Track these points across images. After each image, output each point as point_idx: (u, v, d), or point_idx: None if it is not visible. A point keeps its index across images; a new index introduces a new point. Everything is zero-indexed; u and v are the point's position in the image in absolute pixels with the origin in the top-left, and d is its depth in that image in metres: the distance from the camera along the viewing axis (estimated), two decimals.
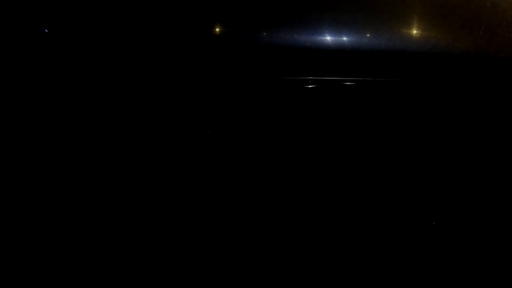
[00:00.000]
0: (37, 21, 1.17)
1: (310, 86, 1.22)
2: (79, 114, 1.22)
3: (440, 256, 1.26)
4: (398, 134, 1.28)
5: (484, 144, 1.29)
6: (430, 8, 1.29)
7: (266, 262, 1.24)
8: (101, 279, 1.23)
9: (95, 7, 1.20)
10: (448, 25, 1.26)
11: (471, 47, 1.24)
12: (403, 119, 1.28)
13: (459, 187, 1.29)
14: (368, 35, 1.20)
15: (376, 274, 1.23)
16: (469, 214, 1.29)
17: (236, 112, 1.25)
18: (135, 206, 1.25)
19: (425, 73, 1.24)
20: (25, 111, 1.20)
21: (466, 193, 1.29)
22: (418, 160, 1.29)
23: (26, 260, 1.22)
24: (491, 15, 1.31)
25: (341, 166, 1.28)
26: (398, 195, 1.28)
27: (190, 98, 1.24)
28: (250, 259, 1.24)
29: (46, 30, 1.17)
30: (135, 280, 1.23)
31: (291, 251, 1.24)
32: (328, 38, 1.19)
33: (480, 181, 1.30)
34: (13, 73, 1.19)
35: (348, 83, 1.23)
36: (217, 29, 1.20)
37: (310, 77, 1.22)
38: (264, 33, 1.19)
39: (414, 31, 1.23)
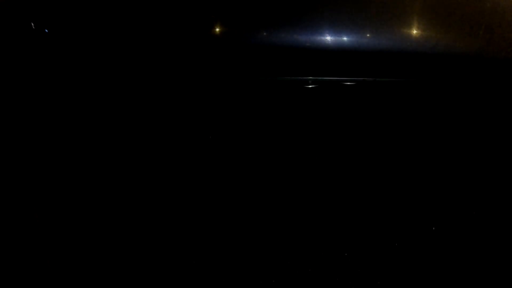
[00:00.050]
0: (38, 21, 1.17)
1: (310, 86, 1.22)
2: (79, 114, 1.22)
3: (441, 260, 1.26)
4: (398, 134, 1.28)
5: (484, 144, 1.29)
6: (430, 8, 1.28)
7: (267, 265, 1.23)
8: (101, 279, 1.23)
9: (95, 7, 1.20)
10: (448, 25, 1.26)
11: (471, 47, 1.24)
12: (403, 119, 1.27)
13: (459, 187, 1.29)
14: (368, 35, 1.20)
15: (376, 278, 1.23)
16: (469, 215, 1.29)
17: (236, 112, 1.25)
18: (135, 206, 1.25)
19: (425, 73, 1.24)
20: (26, 111, 1.20)
21: (467, 193, 1.29)
22: (419, 160, 1.29)
23: (26, 260, 1.22)
24: (491, 15, 1.31)
25: (342, 166, 1.28)
26: (399, 196, 1.28)
27: (191, 98, 1.24)
28: (251, 262, 1.23)
29: (47, 30, 1.17)
30: (135, 280, 1.23)
31: (292, 255, 1.24)
32: (328, 38, 1.19)
33: (480, 181, 1.30)
34: (13, 73, 1.19)
35: (348, 83, 1.23)
36: (217, 29, 1.20)
37: (310, 77, 1.22)
38: (264, 33, 1.19)
39: (414, 31, 1.23)
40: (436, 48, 1.21)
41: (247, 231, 1.25)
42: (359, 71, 1.22)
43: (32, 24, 1.14)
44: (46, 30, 1.17)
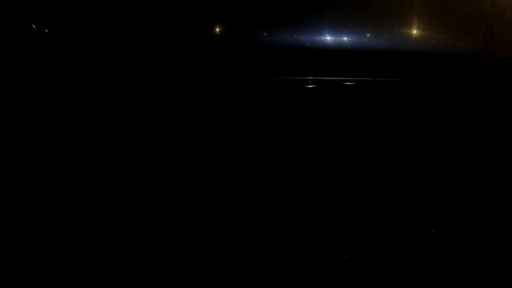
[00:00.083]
0: (38, 22, 1.17)
1: (310, 86, 1.22)
2: (79, 113, 1.22)
3: (441, 262, 1.26)
4: (398, 134, 1.28)
5: (484, 143, 1.29)
6: (430, 8, 1.29)
7: (267, 267, 1.23)
8: (101, 279, 1.23)
9: (95, 7, 1.20)
10: (448, 25, 1.26)
11: (471, 47, 1.24)
12: (403, 119, 1.28)
13: (460, 187, 1.29)
14: (368, 35, 1.20)
15: (376, 280, 1.23)
16: (470, 216, 1.29)
17: (236, 112, 1.25)
18: (134, 206, 1.25)
19: (425, 73, 1.24)
20: (26, 111, 1.20)
21: (467, 193, 1.29)
22: (419, 160, 1.29)
23: (26, 260, 1.22)
24: (491, 15, 1.31)
25: (342, 167, 1.28)
26: (399, 197, 1.28)
27: (191, 98, 1.24)
28: (251, 264, 1.23)
29: (47, 30, 1.17)
30: (135, 280, 1.23)
31: (292, 257, 1.24)
32: (328, 38, 1.19)
33: (480, 180, 1.30)
34: (13, 73, 1.19)
35: (348, 83, 1.23)
36: (217, 29, 1.20)
37: (310, 77, 1.22)
38: (264, 33, 1.19)
39: (414, 31, 1.23)
40: (436, 48, 1.21)
41: (247, 233, 1.25)
42: (359, 71, 1.22)
43: (34, 25, 1.14)
44: (46, 30, 1.17)
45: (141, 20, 1.20)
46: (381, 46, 1.20)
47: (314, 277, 1.23)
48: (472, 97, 1.28)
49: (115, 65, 1.20)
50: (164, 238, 1.24)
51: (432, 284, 1.24)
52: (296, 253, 1.23)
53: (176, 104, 1.24)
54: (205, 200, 1.25)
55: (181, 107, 1.24)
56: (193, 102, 1.25)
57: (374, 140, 1.28)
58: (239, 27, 1.21)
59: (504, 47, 1.25)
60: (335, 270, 1.23)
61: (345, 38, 1.20)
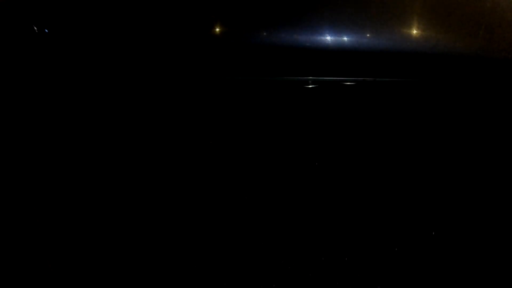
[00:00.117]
0: (38, 22, 1.17)
1: (310, 86, 1.22)
2: (78, 113, 1.22)
3: (441, 264, 1.26)
4: (399, 134, 1.28)
5: (484, 143, 1.29)
6: (430, 8, 1.28)
7: (268, 270, 1.23)
8: (101, 279, 1.23)
9: (95, 7, 1.20)
10: (448, 25, 1.26)
11: (471, 47, 1.24)
12: (403, 118, 1.27)
13: (460, 187, 1.29)
14: (368, 35, 1.20)
15: (376, 283, 1.23)
16: (471, 216, 1.29)
17: (236, 112, 1.25)
18: (134, 206, 1.25)
19: (425, 73, 1.24)
20: (26, 111, 1.20)
21: (467, 193, 1.29)
22: (419, 160, 1.29)
23: (26, 260, 1.22)
24: (491, 15, 1.31)
25: (342, 167, 1.27)
26: (400, 198, 1.28)
27: (190, 98, 1.24)
28: (252, 267, 1.23)
29: (47, 30, 1.17)
30: (135, 280, 1.23)
31: (292, 260, 1.24)
32: (328, 38, 1.19)
33: (480, 180, 1.30)
34: (13, 73, 1.19)
35: (348, 83, 1.23)
36: (217, 29, 1.20)
37: (310, 77, 1.22)
38: (265, 33, 1.19)
39: (414, 31, 1.23)
40: (436, 48, 1.21)
41: (248, 235, 1.25)
42: (359, 71, 1.22)
43: (35, 27, 1.14)
44: (46, 30, 1.17)
45: (141, 20, 1.20)
46: (381, 46, 1.20)
47: (314, 279, 1.22)
48: (472, 97, 1.28)
49: (116, 65, 1.20)
50: (164, 240, 1.24)
51: (432, 286, 1.24)
52: (297, 256, 1.23)
53: (176, 104, 1.24)
54: (205, 202, 1.25)
55: (180, 107, 1.24)
56: (192, 102, 1.24)
57: (374, 140, 1.28)
58: (239, 27, 1.21)
59: (504, 47, 1.25)
60: (335, 272, 1.23)
61: (345, 38, 1.20)
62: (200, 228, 1.24)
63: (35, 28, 1.15)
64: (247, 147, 1.26)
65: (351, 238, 1.26)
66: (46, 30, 1.17)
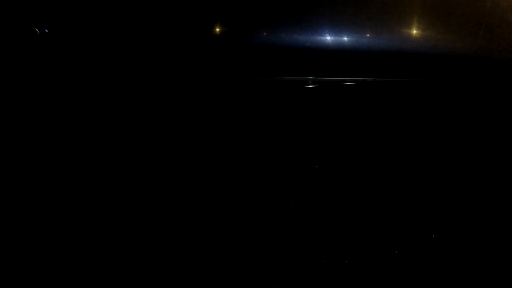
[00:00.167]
0: (38, 22, 1.17)
1: (310, 86, 1.22)
2: (77, 113, 1.22)
3: (442, 267, 1.26)
4: (399, 134, 1.28)
5: (484, 144, 1.29)
6: (430, 8, 1.28)
7: (268, 273, 1.23)
8: (101, 279, 1.23)
9: (94, 6, 1.20)
10: (448, 25, 1.26)
11: (471, 47, 1.24)
12: (403, 119, 1.27)
13: (460, 187, 1.29)
14: (368, 35, 1.20)
15: (377, 286, 1.23)
16: (471, 218, 1.28)
17: (236, 112, 1.25)
18: (134, 206, 1.25)
19: (425, 73, 1.24)
20: (26, 112, 1.20)
21: (467, 193, 1.29)
22: (419, 160, 1.29)
23: (26, 260, 1.22)
24: (491, 15, 1.31)
25: (342, 169, 1.27)
26: (400, 200, 1.27)
27: (190, 98, 1.24)
28: (252, 270, 1.23)
29: (47, 30, 1.17)
30: (135, 280, 1.23)
31: (292, 262, 1.23)
32: (328, 38, 1.19)
33: (481, 181, 1.30)
34: (13, 73, 1.19)
35: (348, 83, 1.23)
36: (217, 29, 1.20)
37: (310, 77, 1.22)
38: (264, 33, 1.19)
39: (414, 31, 1.23)
40: (436, 48, 1.21)
41: (248, 237, 1.24)
42: (359, 71, 1.22)
43: (37, 30, 1.14)
44: (46, 30, 1.17)
45: (141, 20, 1.20)
46: (381, 46, 1.20)
47: (315, 281, 1.22)
48: (472, 97, 1.28)
49: (116, 65, 1.20)
50: (163, 242, 1.24)
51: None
52: (297, 258, 1.23)
53: (175, 104, 1.24)
54: (204, 204, 1.25)
55: (180, 107, 1.24)
56: (192, 102, 1.24)
57: (374, 140, 1.28)
58: (239, 27, 1.21)
59: (504, 47, 1.25)
60: (336, 275, 1.23)
61: (345, 38, 1.20)
62: (199, 231, 1.24)
63: (37, 30, 1.15)
64: (247, 147, 1.26)
65: (351, 240, 1.25)
66: (46, 30, 1.17)
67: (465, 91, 1.27)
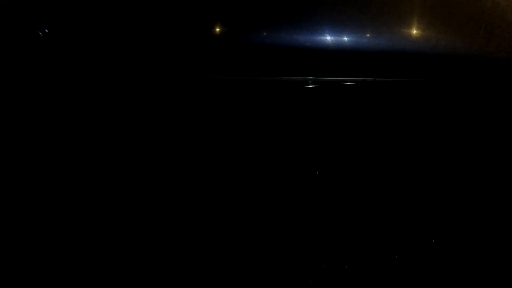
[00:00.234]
0: (41, 25, 1.17)
1: (310, 86, 1.22)
2: (77, 114, 1.22)
3: (442, 272, 1.25)
4: (399, 134, 1.28)
5: (484, 144, 1.29)
6: (430, 8, 1.29)
7: (269, 277, 1.23)
8: (101, 279, 1.23)
9: (94, 6, 1.20)
10: (448, 25, 1.26)
11: (471, 47, 1.24)
12: (403, 119, 1.27)
13: (460, 188, 1.29)
14: (368, 35, 1.20)
15: None
16: (472, 219, 1.28)
17: (236, 112, 1.25)
18: (133, 207, 1.25)
19: (425, 73, 1.24)
20: (27, 112, 1.20)
21: (467, 193, 1.29)
22: (419, 161, 1.29)
23: (26, 260, 1.22)
24: (491, 15, 1.31)
25: (343, 170, 1.27)
26: (401, 203, 1.27)
27: (190, 98, 1.24)
28: (252, 274, 1.23)
29: (46, 30, 1.17)
30: (135, 280, 1.23)
31: (293, 267, 1.23)
32: (328, 38, 1.19)
33: (481, 181, 1.30)
34: (14, 73, 1.19)
35: (348, 83, 1.23)
36: (217, 29, 1.20)
37: (310, 77, 1.22)
38: (264, 33, 1.19)
39: (414, 31, 1.23)
40: (436, 48, 1.21)
41: (248, 241, 1.24)
42: (359, 71, 1.22)
43: (40, 33, 1.14)
44: (46, 30, 1.17)
45: (141, 20, 1.20)
46: (381, 46, 1.20)
47: (315, 286, 1.22)
48: (472, 97, 1.28)
49: (116, 65, 1.20)
50: (163, 245, 1.24)
51: None
52: (298, 263, 1.23)
53: (175, 105, 1.24)
54: (204, 209, 1.24)
55: (180, 107, 1.24)
56: (192, 102, 1.24)
57: (374, 140, 1.27)
58: (239, 27, 1.21)
59: (504, 47, 1.25)
60: (336, 280, 1.23)
61: (345, 38, 1.20)
62: (200, 236, 1.24)
63: (40, 33, 1.15)
64: (247, 147, 1.26)
65: (352, 245, 1.25)
66: (46, 30, 1.17)
67: (465, 91, 1.27)
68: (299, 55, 1.20)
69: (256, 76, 1.22)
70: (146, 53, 1.20)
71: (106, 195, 1.24)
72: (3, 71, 1.19)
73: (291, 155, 1.26)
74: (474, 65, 1.24)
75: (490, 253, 1.28)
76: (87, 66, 1.19)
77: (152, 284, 1.22)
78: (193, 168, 1.25)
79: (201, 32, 1.20)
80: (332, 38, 1.19)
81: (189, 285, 1.22)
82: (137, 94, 1.22)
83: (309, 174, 1.25)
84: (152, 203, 1.25)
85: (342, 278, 1.23)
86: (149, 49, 1.20)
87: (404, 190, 1.28)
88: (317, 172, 1.24)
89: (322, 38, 1.19)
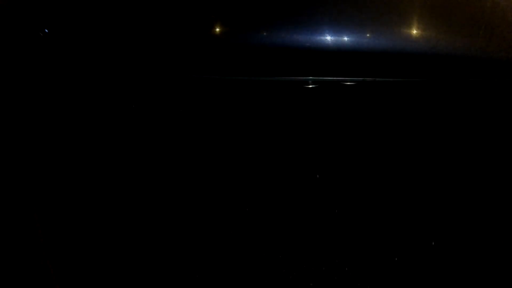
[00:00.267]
0: (41, 26, 1.18)
1: (310, 86, 1.22)
2: (77, 113, 1.22)
3: (442, 275, 1.25)
4: (399, 134, 1.28)
5: (484, 144, 1.29)
6: (430, 8, 1.29)
7: (269, 280, 1.22)
8: (101, 279, 1.23)
9: (94, 6, 1.20)
10: (448, 25, 1.26)
11: (471, 47, 1.24)
12: (403, 119, 1.27)
13: (460, 188, 1.29)
14: (368, 35, 1.20)
15: None
16: (473, 221, 1.28)
17: (235, 113, 1.25)
18: (134, 207, 1.25)
19: (425, 73, 1.24)
20: (27, 112, 1.20)
21: (467, 194, 1.29)
22: (419, 161, 1.28)
23: (26, 260, 1.22)
24: (491, 15, 1.31)
25: (343, 170, 1.27)
26: (402, 204, 1.27)
27: (190, 98, 1.24)
28: (252, 276, 1.23)
29: (47, 30, 1.17)
30: (135, 280, 1.23)
31: (293, 269, 1.23)
32: (328, 38, 1.19)
33: (481, 181, 1.30)
34: (14, 73, 1.19)
35: (348, 83, 1.23)
36: (217, 29, 1.20)
37: (310, 77, 1.22)
38: (264, 33, 1.19)
39: (414, 31, 1.23)
40: (436, 48, 1.21)
41: (248, 243, 1.24)
42: (359, 71, 1.22)
43: (41, 33, 1.14)
44: (46, 30, 1.17)
45: (140, 20, 1.20)
46: (381, 46, 1.20)
47: None
48: (472, 97, 1.28)
49: (116, 65, 1.20)
50: (163, 245, 1.24)
51: None
52: (298, 265, 1.23)
53: (175, 105, 1.24)
54: (203, 211, 1.24)
55: (180, 108, 1.24)
56: (192, 102, 1.24)
57: (374, 140, 1.27)
58: (239, 27, 1.21)
59: (504, 47, 1.25)
60: (336, 282, 1.22)
61: (345, 38, 1.20)
62: (199, 238, 1.24)
63: (41, 33, 1.15)
64: (246, 148, 1.26)
65: (352, 247, 1.25)
66: (46, 30, 1.17)
67: (465, 91, 1.27)
68: (299, 55, 1.20)
69: (256, 76, 1.22)
70: (146, 53, 1.20)
71: (106, 195, 1.24)
72: (3, 71, 1.19)
73: (291, 155, 1.26)
74: (474, 65, 1.24)
75: (490, 255, 1.28)
76: (87, 66, 1.20)
77: (152, 284, 1.22)
78: (193, 168, 1.25)
79: (201, 32, 1.20)
80: (332, 38, 1.19)
81: (189, 284, 1.22)
82: (137, 94, 1.23)
83: (310, 175, 1.25)
84: (152, 203, 1.24)
85: (342, 281, 1.23)
86: (149, 49, 1.20)
87: (405, 191, 1.28)
88: (318, 176, 1.24)
89: (322, 38, 1.19)
